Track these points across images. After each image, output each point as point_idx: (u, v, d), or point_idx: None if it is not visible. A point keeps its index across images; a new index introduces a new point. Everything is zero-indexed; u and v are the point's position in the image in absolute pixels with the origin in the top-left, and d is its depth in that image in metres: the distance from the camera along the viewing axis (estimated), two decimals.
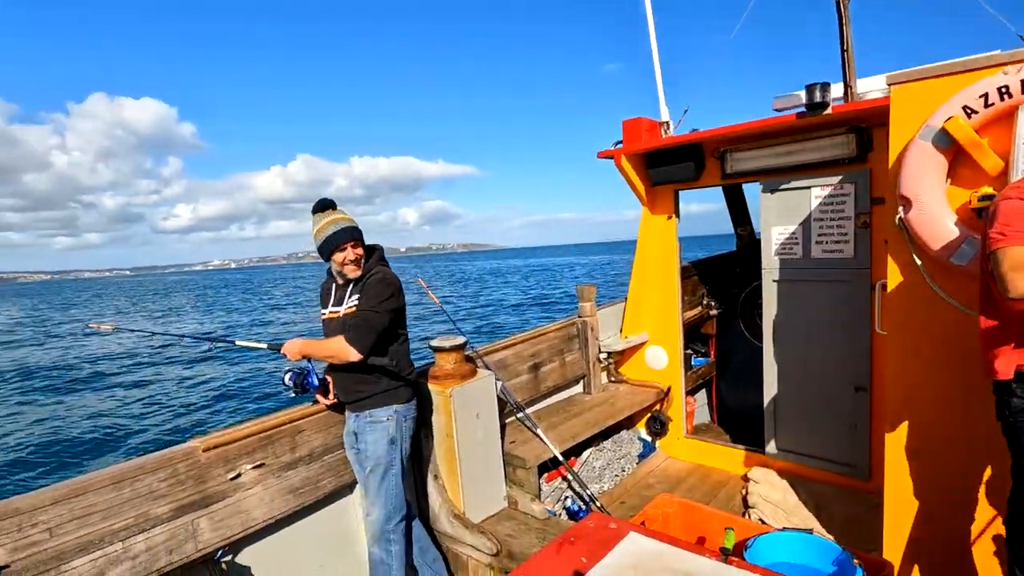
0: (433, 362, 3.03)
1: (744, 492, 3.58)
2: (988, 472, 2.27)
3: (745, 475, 3.74)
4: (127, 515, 2.02)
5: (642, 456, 4.12)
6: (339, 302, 2.48)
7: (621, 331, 4.40)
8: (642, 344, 4.32)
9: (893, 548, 2.53)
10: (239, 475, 2.33)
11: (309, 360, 2.49)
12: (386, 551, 2.45)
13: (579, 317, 4.16)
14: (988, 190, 2.11)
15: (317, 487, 2.61)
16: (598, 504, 3.07)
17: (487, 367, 3.31)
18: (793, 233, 3.48)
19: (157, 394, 13.64)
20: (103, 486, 2.00)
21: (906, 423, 2.45)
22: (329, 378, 2.57)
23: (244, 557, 2.43)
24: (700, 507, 2.47)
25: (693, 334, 4.95)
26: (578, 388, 4.27)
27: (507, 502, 3.14)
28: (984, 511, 2.28)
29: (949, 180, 2.25)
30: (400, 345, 2.53)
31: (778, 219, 3.53)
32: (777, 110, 3.73)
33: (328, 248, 2.40)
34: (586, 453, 3.90)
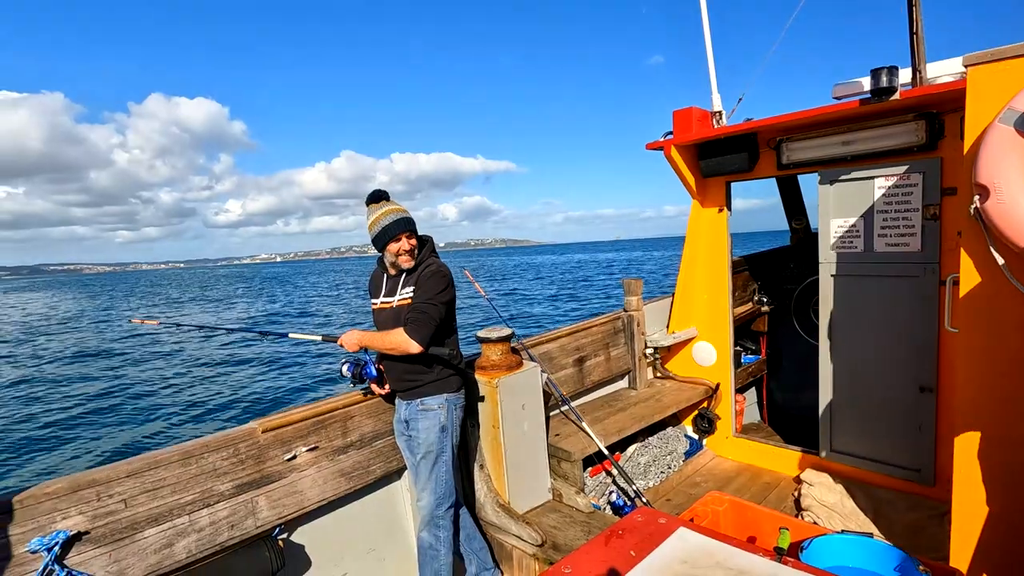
0: (480, 353, 3.05)
1: (796, 494, 3.46)
2: None
3: (798, 477, 3.61)
4: (193, 490, 2.13)
5: (689, 454, 4.04)
6: (391, 292, 2.53)
7: (668, 326, 4.31)
8: (690, 340, 4.23)
9: (961, 556, 2.40)
10: (295, 456, 2.42)
11: (366, 351, 2.55)
12: (435, 536, 2.50)
13: (625, 311, 4.10)
14: None
15: (367, 471, 2.68)
16: (644, 500, 3.03)
17: (532, 359, 3.31)
18: (854, 226, 3.32)
19: (218, 379, 14.34)
20: (172, 462, 2.12)
21: (978, 426, 2.31)
22: (383, 367, 2.63)
23: (299, 536, 2.53)
24: (752, 506, 2.41)
25: (743, 331, 4.81)
26: (623, 383, 4.22)
27: (551, 494, 3.14)
28: None
29: None
30: (452, 335, 2.57)
31: (837, 211, 3.38)
32: (837, 98, 3.57)
33: (384, 238, 2.45)
34: (631, 449, 3.86)
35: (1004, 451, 2.26)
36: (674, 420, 4.28)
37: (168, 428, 10.47)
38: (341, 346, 2.44)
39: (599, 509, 3.17)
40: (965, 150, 2.24)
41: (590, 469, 3.50)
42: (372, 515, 2.83)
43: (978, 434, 2.32)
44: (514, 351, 3.28)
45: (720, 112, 3.76)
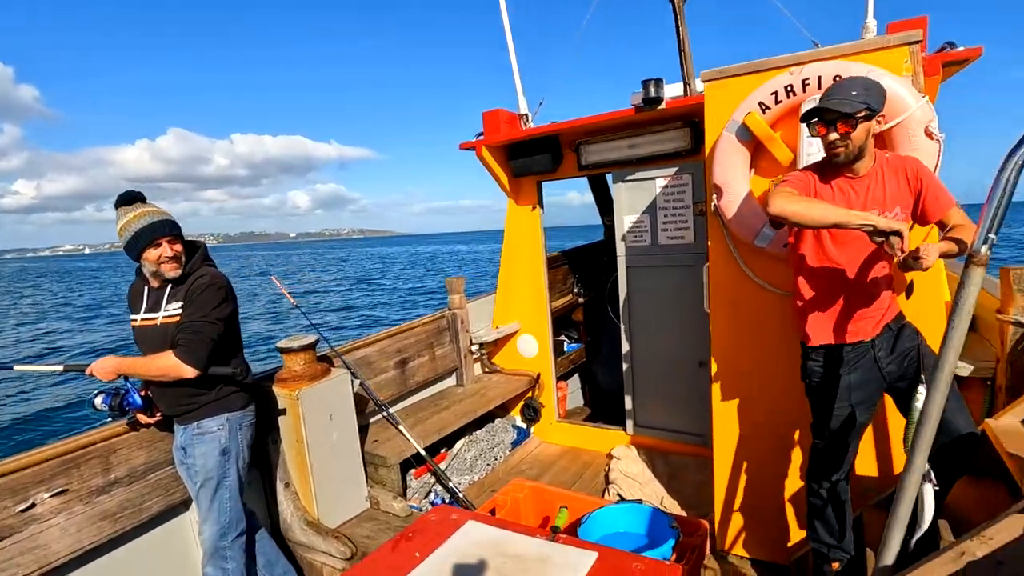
0: (282, 365, 2.86)
1: (607, 469, 3.76)
2: (797, 433, 2.54)
3: (610, 453, 3.93)
4: None
5: (516, 443, 4.20)
6: (154, 307, 2.24)
7: (493, 321, 4.43)
8: (514, 333, 4.39)
9: (720, 505, 2.77)
10: (32, 505, 2.05)
11: (126, 378, 2.22)
12: (221, 569, 2.28)
13: (449, 310, 4.13)
14: (782, 179, 2.34)
15: (141, 509, 2.37)
16: (460, 495, 3.07)
17: (347, 366, 3.19)
18: (642, 221, 3.68)
19: None
20: None
21: (727, 391, 2.68)
22: (150, 394, 2.32)
23: None
24: (548, 489, 2.55)
25: (566, 321, 5.12)
26: (451, 381, 4.25)
27: (369, 503, 3.06)
28: (795, 469, 2.55)
29: (752, 170, 2.48)
30: (234, 350, 2.35)
31: (629, 208, 3.72)
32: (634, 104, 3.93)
33: (138, 245, 2.16)
34: (458, 444, 3.90)
35: (747, 412, 2.65)
36: (502, 412, 4.42)
37: None
38: (91, 376, 2.11)
39: (419, 511, 3.16)
40: (706, 155, 2.58)
41: (414, 471, 3.47)
42: (153, 556, 2.51)
43: (728, 400, 2.69)
44: (324, 359, 3.13)
45: (527, 115, 3.93)
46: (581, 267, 5.09)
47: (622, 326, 3.88)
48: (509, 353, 4.46)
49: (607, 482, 3.63)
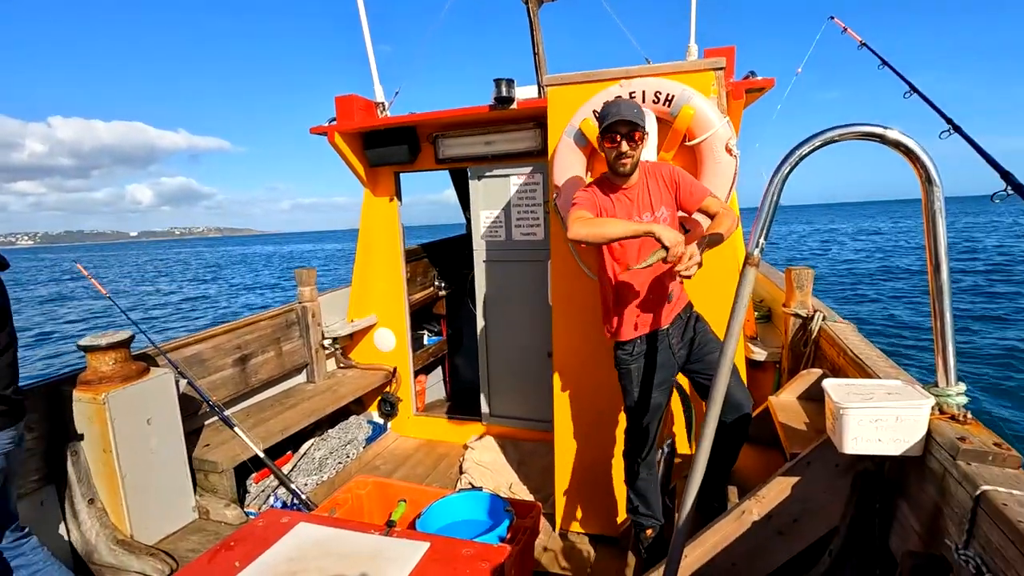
0: (84, 366, 2.51)
1: (462, 459, 3.82)
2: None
3: (465, 444, 4.00)
4: None
5: (371, 439, 4.10)
6: None
7: (347, 315, 4.28)
8: (370, 327, 4.28)
9: (562, 488, 2.95)
10: None
11: None
12: None
13: (299, 303, 3.92)
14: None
15: None
16: (303, 497, 2.93)
17: (172, 365, 2.88)
18: (498, 217, 3.78)
19: None
20: None
21: (566, 379, 2.86)
22: None
23: None
24: (391, 483, 2.53)
25: (427, 314, 5.11)
26: (301, 378, 4.04)
27: (198, 513, 2.81)
28: (620, 448, 2.79)
29: (589, 173, 2.65)
30: (6, 352, 2.00)
31: (485, 204, 3.79)
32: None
33: None
34: (307, 444, 3.72)
35: (579, 397, 2.84)
36: (358, 408, 4.30)
37: None
38: None
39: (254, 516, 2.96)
40: (550, 156, 2.70)
41: (254, 475, 3.24)
42: None
43: (567, 387, 2.86)
44: (143, 358, 2.80)
45: (383, 103, 3.84)
46: (442, 260, 5.10)
47: (479, 318, 3.96)
48: (366, 347, 4.34)
49: (460, 472, 3.69)
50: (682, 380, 2.52)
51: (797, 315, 2.83)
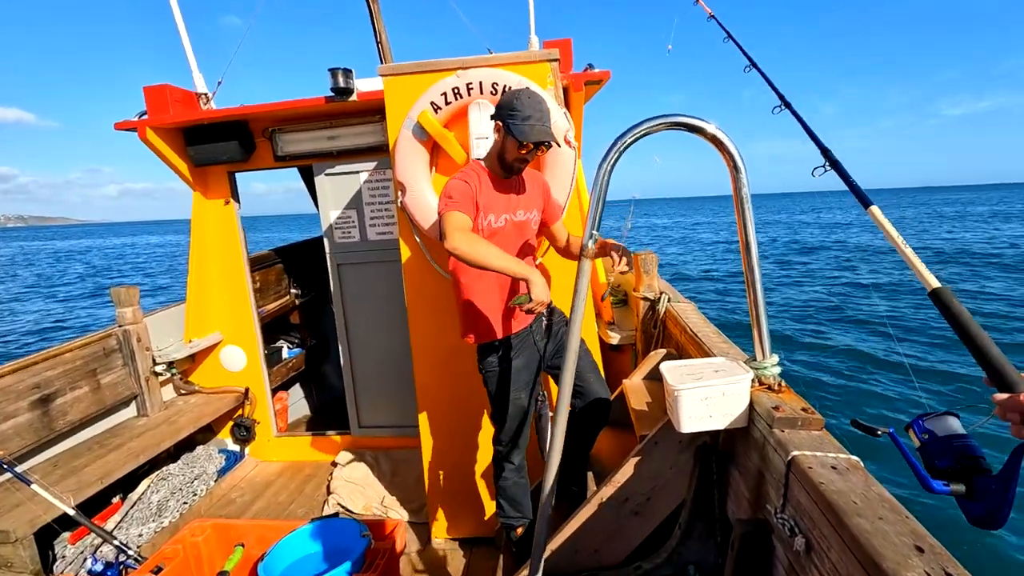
0: None
1: (330, 479, 3.56)
2: (485, 419, 2.73)
3: (334, 461, 3.74)
4: None
5: (224, 470, 3.68)
6: None
7: (184, 335, 3.79)
8: (214, 346, 3.83)
9: (431, 495, 2.84)
10: None
11: None
12: None
13: (118, 326, 3.38)
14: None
15: None
16: (130, 554, 2.53)
17: None
18: (349, 216, 3.54)
19: None
20: None
21: (427, 381, 2.74)
22: None
23: None
24: (232, 524, 2.25)
25: (284, 325, 4.71)
26: (130, 411, 3.50)
27: None
28: (485, 453, 2.74)
29: (434, 168, 2.54)
30: None
31: (335, 203, 3.53)
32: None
33: None
34: (141, 486, 3.23)
35: (438, 401, 2.74)
36: (207, 436, 3.84)
37: None
38: None
39: None
40: (391, 151, 2.54)
41: (69, 535, 2.74)
42: None
43: (428, 390, 2.75)
44: None
45: (207, 94, 3.41)
46: (298, 265, 4.71)
47: (338, 325, 3.70)
48: (210, 369, 3.88)
49: (328, 493, 3.44)
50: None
51: (646, 298, 2.96)
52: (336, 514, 2.14)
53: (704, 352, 2.22)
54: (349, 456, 3.67)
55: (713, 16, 2.51)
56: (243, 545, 1.90)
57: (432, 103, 2.35)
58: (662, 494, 2.01)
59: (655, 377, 2.44)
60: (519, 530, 2.37)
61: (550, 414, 2.04)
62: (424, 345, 2.69)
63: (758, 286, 1.67)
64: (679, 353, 2.55)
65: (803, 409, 1.54)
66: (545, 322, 2.22)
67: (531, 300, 1.83)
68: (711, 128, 1.48)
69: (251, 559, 2.07)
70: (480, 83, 2.32)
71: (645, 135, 1.54)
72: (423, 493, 3.16)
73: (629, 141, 1.53)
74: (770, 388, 1.68)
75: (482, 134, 2.37)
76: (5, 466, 2.43)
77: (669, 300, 2.88)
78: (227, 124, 3.33)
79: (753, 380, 1.67)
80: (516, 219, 2.09)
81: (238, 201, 3.65)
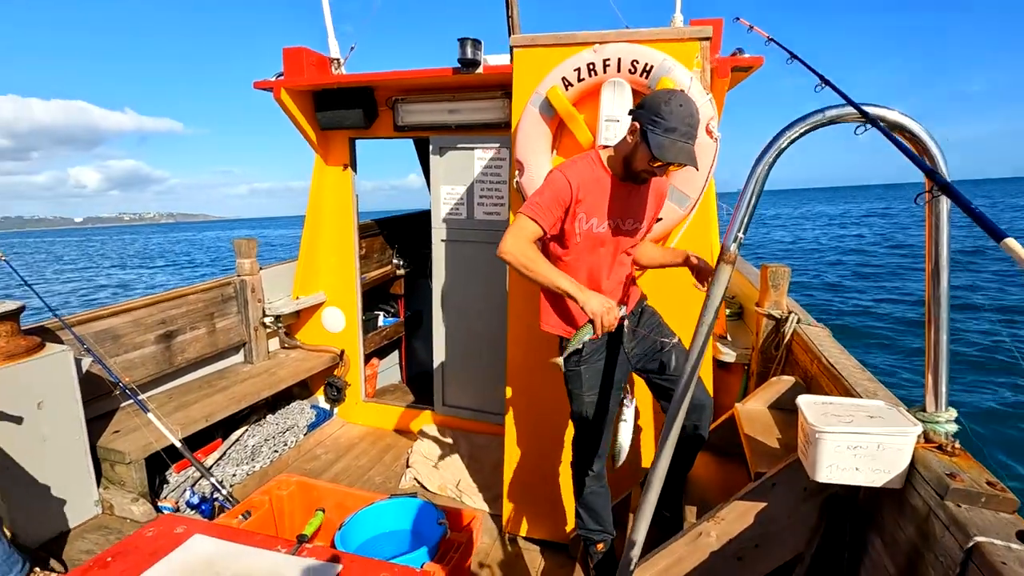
0: None
1: (409, 452, 3.58)
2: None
3: (416, 434, 3.75)
4: None
5: (314, 426, 3.83)
6: None
7: (292, 291, 3.96)
8: (318, 305, 3.97)
9: (511, 488, 2.74)
10: None
11: None
12: None
13: (237, 276, 3.58)
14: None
15: None
16: (224, 492, 2.66)
17: (78, 339, 2.54)
18: (460, 194, 3.49)
19: None
20: None
21: (519, 372, 2.62)
22: None
23: None
24: (316, 484, 2.27)
25: (383, 294, 4.81)
26: (238, 358, 3.72)
27: (100, 508, 2.51)
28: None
29: (555, 150, 2.38)
30: None
31: (446, 179, 3.49)
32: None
33: None
34: (239, 431, 3.42)
35: (529, 395, 2.60)
36: (303, 392, 4.01)
37: None
38: None
39: (171, 511, 2.68)
40: (513, 128, 2.42)
41: (175, 465, 2.94)
42: None
43: (520, 380, 2.62)
44: (44, 332, 2.46)
45: (339, 60, 3.48)
46: (402, 237, 4.78)
47: (434, 302, 3.69)
48: (313, 327, 4.03)
49: (407, 466, 3.45)
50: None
51: (771, 316, 2.64)
52: (414, 493, 2.10)
53: (843, 388, 1.90)
54: (431, 433, 3.66)
55: (772, 39, 2.18)
56: (323, 511, 1.89)
57: (564, 79, 2.19)
58: (774, 543, 1.75)
59: (780, 407, 2.15)
60: (599, 546, 2.20)
61: (627, 421, 1.85)
62: (521, 333, 2.57)
63: (943, 321, 1.36)
64: (807, 385, 2.23)
65: (988, 483, 1.23)
66: (630, 325, 2.00)
67: (592, 329, 1.68)
68: (897, 116, 1.20)
69: (330, 524, 2.07)
70: (619, 60, 2.12)
71: (818, 127, 1.29)
72: (499, 482, 3.07)
73: (797, 134, 1.29)
74: (941, 448, 1.37)
75: (613, 116, 2.17)
76: (129, 392, 2.63)
77: (799, 321, 2.54)
78: (354, 90, 3.37)
79: (919, 435, 1.37)
80: (624, 227, 1.88)
81: (355, 169, 3.73)
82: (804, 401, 1.53)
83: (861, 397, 1.79)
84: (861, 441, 1.37)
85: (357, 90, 3.37)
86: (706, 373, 2.33)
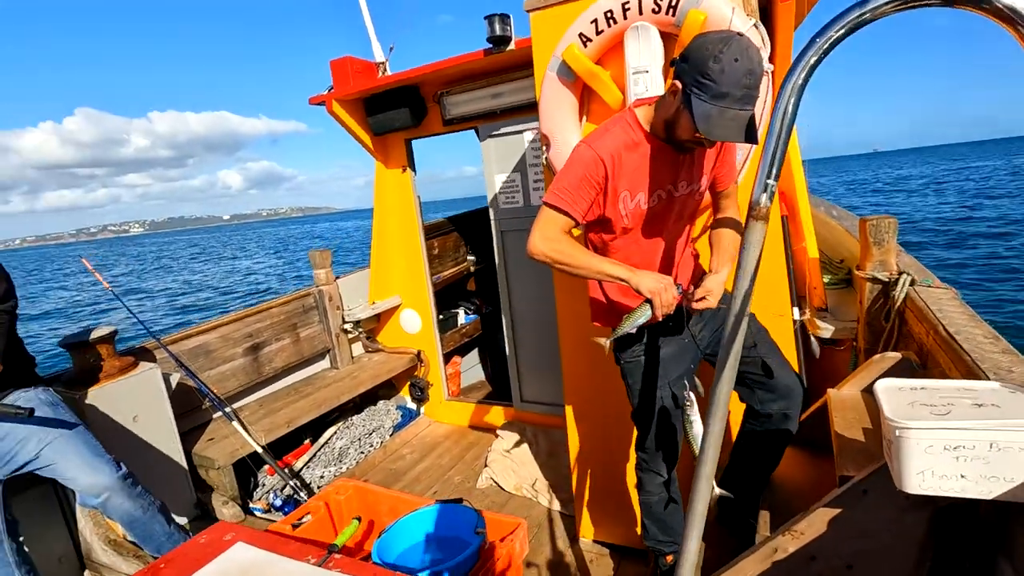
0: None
1: (489, 450, 3.51)
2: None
3: (496, 431, 3.68)
4: None
5: (400, 425, 3.91)
6: None
7: (368, 297, 4.07)
8: (394, 308, 4.04)
9: (577, 489, 2.55)
10: None
11: None
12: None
13: (315, 287, 3.75)
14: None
15: None
16: (303, 495, 2.77)
17: (173, 357, 2.80)
18: (513, 180, 3.34)
19: None
20: None
21: (569, 364, 2.42)
22: None
23: None
24: (372, 489, 2.25)
25: (463, 291, 4.81)
26: (324, 363, 3.90)
27: (199, 510, 2.73)
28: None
29: (585, 117, 2.14)
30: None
31: (499, 166, 3.35)
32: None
33: None
34: (327, 433, 3.58)
35: (595, 387, 2.38)
36: (389, 392, 4.12)
37: None
38: None
39: (262, 512, 2.85)
40: (538, 99, 2.22)
41: (267, 467, 3.14)
42: None
43: (577, 372, 2.42)
44: (141, 352, 2.73)
45: (384, 63, 3.48)
46: (474, 233, 4.73)
47: (501, 294, 3.58)
48: (392, 330, 4.12)
49: (485, 464, 3.39)
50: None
51: (876, 279, 2.17)
52: (460, 499, 2.00)
53: (966, 366, 1.48)
54: (508, 430, 3.57)
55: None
56: (359, 519, 1.86)
57: (581, 35, 1.94)
58: (870, 563, 1.39)
59: None
60: (669, 558, 1.94)
61: (694, 422, 1.56)
62: (570, 323, 2.36)
63: None
64: (922, 362, 1.79)
65: None
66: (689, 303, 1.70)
67: (651, 310, 1.45)
68: None
69: (380, 527, 2.04)
70: (640, 1, 1.83)
71: (859, 27, 0.95)
72: None
73: (834, 37, 0.96)
74: None
75: (641, 67, 1.89)
76: (217, 403, 2.84)
77: (913, 283, 2.06)
78: (399, 90, 3.36)
79: None
80: (676, 193, 1.58)
81: (414, 169, 3.73)
82: (883, 387, 1.18)
83: (987, 377, 1.36)
84: (963, 439, 1.01)
85: (401, 89, 3.35)
86: (789, 353, 1.95)
